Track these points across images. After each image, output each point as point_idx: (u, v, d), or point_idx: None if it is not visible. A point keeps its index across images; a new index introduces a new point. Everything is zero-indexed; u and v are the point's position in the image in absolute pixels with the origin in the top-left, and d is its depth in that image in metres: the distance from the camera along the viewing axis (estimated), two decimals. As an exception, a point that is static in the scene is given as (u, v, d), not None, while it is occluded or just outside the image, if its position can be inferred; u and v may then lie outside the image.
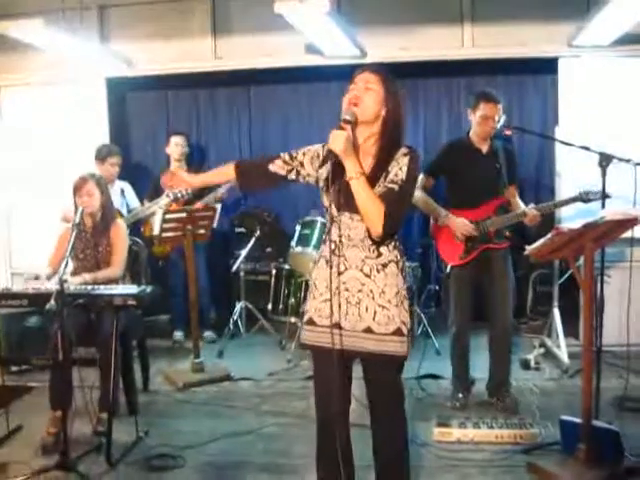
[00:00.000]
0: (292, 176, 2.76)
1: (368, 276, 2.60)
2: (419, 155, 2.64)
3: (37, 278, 4.47)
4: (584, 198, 4.20)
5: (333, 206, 2.61)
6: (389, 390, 2.70)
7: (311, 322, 2.69)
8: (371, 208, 2.48)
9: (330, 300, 2.56)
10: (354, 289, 2.60)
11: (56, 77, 5.80)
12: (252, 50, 5.66)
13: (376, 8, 5.53)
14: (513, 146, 4.71)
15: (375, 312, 2.59)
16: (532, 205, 4.24)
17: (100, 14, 5.82)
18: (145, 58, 5.79)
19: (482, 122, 4.11)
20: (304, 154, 2.75)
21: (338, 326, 2.60)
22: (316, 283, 2.71)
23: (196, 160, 6.46)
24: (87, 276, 4.02)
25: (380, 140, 2.63)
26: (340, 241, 2.61)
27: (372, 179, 2.52)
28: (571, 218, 5.03)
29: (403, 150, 2.60)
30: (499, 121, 4.06)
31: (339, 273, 2.60)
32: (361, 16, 5.44)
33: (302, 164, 2.74)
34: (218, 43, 5.76)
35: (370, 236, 2.57)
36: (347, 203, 2.57)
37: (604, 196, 3.79)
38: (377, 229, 2.50)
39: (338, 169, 2.53)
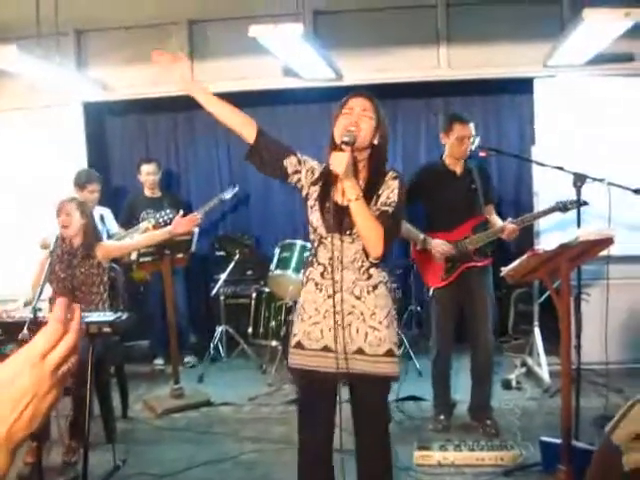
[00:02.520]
0: (294, 179, 2.71)
1: (358, 298, 2.60)
2: (405, 179, 2.70)
3: (14, 301, 4.41)
4: (562, 208, 4.22)
5: (322, 227, 2.60)
6: (377, 413, 2.70)
7: (299, 345, 2.67)
8: (372, 230, 2.50)
9: (334, 322, 2.56)
10: (345, 311, 2.59)
11: (33, 102, 5.77)
12: (229, 73, 5.67)
13: (352, 30, 5.56)
14: (487, 165, 4.73)
15: (366, 334, 2.59)
16: (510, 219, 4.26)
17: (77, 39, 5.81)
18: (123, 83, 5.78)
19: (458, 143, 4.11)
20: (305, 163, 2.71)
21: (328, 349, 2.59)
22: (304, 306, 2.68)
23: (173, 187, 6.46)
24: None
25: (370, 165, 2.65)
26: (330, 263, 2.60)
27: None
28: (549, 230, 5.09)
29: (392, 174, 2.64)
30: (473, 142, 4.07)
31: (329, 296, 2.59)
32: (337, 38, 5.47)
33: (304, 173, 2.71)
34: (195, 67, 5.75)
35: (366, 258, 2.58)
36: (338, 225, 2.56)
37: (579, 207, 3.80)
38: (377, 251, 2.52)
39: (328, 190, 2.55)
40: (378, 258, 2.57)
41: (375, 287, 2.61)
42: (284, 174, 2.71)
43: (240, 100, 6.11)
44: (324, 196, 2.60)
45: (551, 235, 4.98)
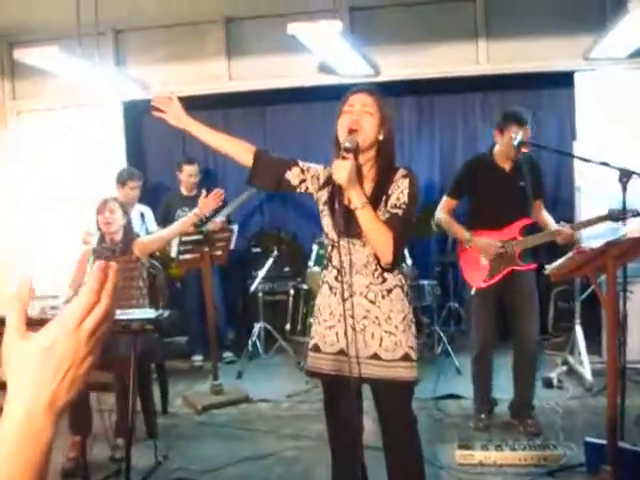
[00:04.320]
0: (302, 189, 2.68)
1: (373, 302, 2.56)
2: (417, 176, 2.59)
3: (55, 297, 4.48)
4: (615, 217, 3.94)
5: (333, 231, 2.57)
6: (400, 417, 2.64)
7: (316, 349, 2.66)
8: (380, 238, 2.45)
9: (345, 327, 2.52)
10: (359, 316, 2.55)
11: (73, 101, 5.86)
12: (266, 71, 5.69)
13: (390, 26, 5.53)
14: (537, 158, 4.57)
15: (381, 338, 2.55)
16: (563, 223, 4.10)
17: (115, 38, 5.88)
18: (160, 81, 5.82)
19: (511, 144, 3.90)
20: (308, 170, 2.69)
21: (343, 353, 2.55)
22: (320, 309, 2.67)
23: (211, 187, 6.49)
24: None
25: (377, 164, 2.58)
26: (342, 267, 2.54)
27: (373, 203, 2.47)
28: (591, 234, 4.98)
29: (402, 172, 2.55)
30: (516, 138, 3.99)
31: (344, 300, 2.54)
32: (374, 34, 5.45)
33: (309, 180, 2.68)
34: (232, 65, 5.79)
35: (378, 262, 2.53)
36: (347, 229, 2.51)
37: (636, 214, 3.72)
38: (388, 258, 2.47)
39: (336, 195, 2.51)
40: (389, 264, 2.50)
41: (390, 291, 2.56)
42: (290, 187, 2.68)
43: (276, 97, 6.23)
44: (333, 200, 2.56)
45: (593, 233, 4.89)
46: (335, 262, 2.59)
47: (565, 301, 5.96)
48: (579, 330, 5.21)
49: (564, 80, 5.49)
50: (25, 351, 0.77)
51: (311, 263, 5.51)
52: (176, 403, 4.93)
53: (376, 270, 2.54)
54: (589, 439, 3.37)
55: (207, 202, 4.48)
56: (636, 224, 3.61)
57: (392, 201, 2.50)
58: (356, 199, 2.41)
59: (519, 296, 4.10)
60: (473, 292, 4.16)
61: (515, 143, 3.89)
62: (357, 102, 2.52)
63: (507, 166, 4.09)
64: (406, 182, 2.52)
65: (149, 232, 5.64)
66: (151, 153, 6.87)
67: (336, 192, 2.50)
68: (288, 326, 6.03)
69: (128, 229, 4.34)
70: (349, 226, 2.50)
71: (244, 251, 6.62)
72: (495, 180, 4.05)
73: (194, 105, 6.30)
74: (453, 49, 5.53)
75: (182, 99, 5.93)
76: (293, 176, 2.67)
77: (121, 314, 3.68)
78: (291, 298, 6.09)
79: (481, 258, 4.09)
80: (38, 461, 0.74)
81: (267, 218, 6.84)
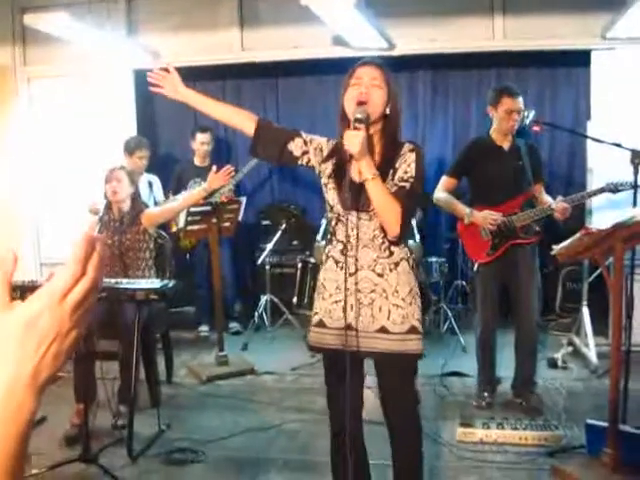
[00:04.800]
0: (304, 160, 2.65)
1: (381, 275, 2.54)
2: (423, 150, 2.59)
3: (63, 264, 4.49)
4: (612, 189, 4.11)
5: (339, 205, 2.55)
6: (403, 390, 2.64)
7: (321, 324, 2.63)
8: (389, 209, 2.43)
9: (353, 301, 2.52)
10: (366, 289, 2.54)
11: (84, 69, 5.81)
12: (279, 42, 5.62)
13: (405, 0, 5.44)
14: (536, 144, 4.61)
15: (389, 311, 2.53)
16: (560, 198, 4.16)
17: (127, 6, 5.81)
18: (172, 50, 5.77)
19: (506, 117, 4.04)
20: (311, 142, 2.66)
21: (350, 328, 2.54)
22: (325, 284, 2.64)
23: (223, 155, 6.47)
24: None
25: (384, 137, 2.57)
26: (349, 241, 2.53)
27: (380, 177, 2.45)
28: (602, 209, 4.96)
29: (408, 146, 2.54)
30: (528, 116, 3.97)
31: (351, 274, 2.53)
32: (389, 7, 5.36)
33: (312, 152, 2.65)
34: (245, 35, 5.73)
35: (385, 236, 2.51)
36: (355, 202, 2.49)
37: (635, 190, 3.69)
38: (395, 230, 2.46)
39: (342, 167, 2.49)
40: (396, 237, 2.50)
41: (397, 264, 2.55)
42: (292, 158, 2.65)
43: (289, 69, 6.18)
44: (338, 173, 2.54)
45: (604, 214, 4.86)
46: (340, 236, 2.57)
47: (573, 282, 5.93)
48: (586, 311, 5.19)
49: (581, 59, 5.40)
50: (7, 325, 0.75)
51: (319, 237, 5.50)
52: (181, 373, 4.97)
53: (383, 243, 2.53)
54: (590, 421, 3.37)
55: (217, 178, 4.47)
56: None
57: (399, 174, 2.49)
58: (367, 170, 2.40)
59: (520, 271, 4.12)
60: (476, 267, 4.20)
61: (527, 122, 3.88)
62: (365, 75, 2.50)
63: (505, 145, 4.15)
64: (413, 156, 2.51)
65: (157, 202, 5.65)
66: (162, 122, 6.84)
67: (342, 164, 2.49)
68: (295, 299, 6.03)
69: (136, 200, 4.32)
70: (356, 199, 2.48)
71: (253, 223, 6.61)
72: (494, 159, 4.11)
73: (206, 75, 6.31)
74: (469, 24, 5.44)
75: (194, 69, 5.96)
76: (295, 147, 2.64)
77: (127, 283, 3.69)
78: (298, 271, 6.08)
79: (482, 233, 4.11)
80: (19, 435, 0.73)
81: (277, 191, 6.82)
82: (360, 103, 2.43)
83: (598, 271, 5.09)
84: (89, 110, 5.88)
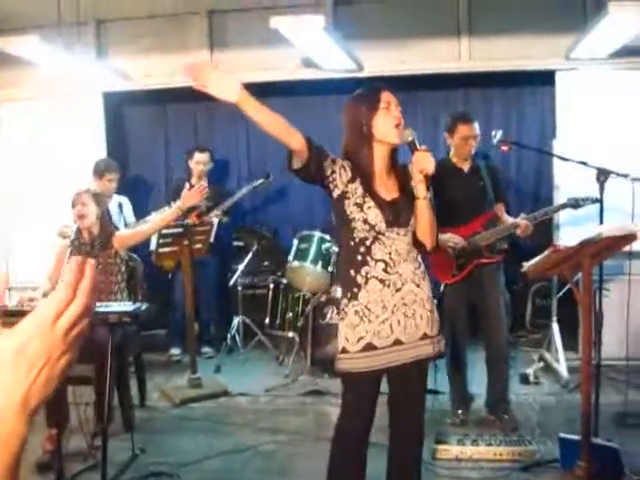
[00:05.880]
0: (330, 179, 2.62)
1: (418, 286, 2.67)
2: None
3: (34, 290, 4.44)
4: (574, 204, 4.21)
5: (382, 223, 2.60)
6: (423, 395, 2.82)
7: (371, 347, 2.60)
8: (432, 226, 2.66)
9: (403, 315, 2.64)
10: (410, 302, 2.64)
11: (53, 92, 5.80)
12: (249, 64, 5.65)
13: (373, 22, 5.52)
14: (503, 162, 4.70)
15: (428, 318, 2.67)
16: (523, 215, 4.23)
17: (97, 29, 5.81)
18: (142, 72, 5.78)
19: (462, 143, 4.14)
20: (336, 162, 2.63)
21: (399, 342, 2.62)
22: (369, 306, 2.61)
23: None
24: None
25: (394, 160, 2.74)
26: (390, 258, 2.62)
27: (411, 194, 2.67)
28: (568, 224, 5.05)
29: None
30: (495, 136, 4.05)
31: (397, 290, 2.63)
32: (358, 30, 5.43)
33: (337, 172, 2.63)
34: (215, 57, 5.75)
35: (418, 249, 2.70)
36: (396, 219, 2.61)
37: (599, 204, 3.76)
38: (433, 243, 2.69)
39: (372, 187, 2.63)
40: (432, 249, 2.73)
41: (424, 273, 2.72)
42: (323, 177, 2.62)
43: (259, 91, 6.15)
44: (372, 192, 2.63)
45: (570, 229, 4.95)
46: (379, 255, 2.62)
47: (542, 298, 6.01)
48: (556, 327, 5.26)
49: (545, 78, 5.53)
50: None
51: (291, 257, 5.51)
52: (153, 396, 4.92)
53: (415, 256, 2.70)
54: (563, 435, 3.41)
55: (190, 196, 4.46)
56: (613, 223, 3.64)
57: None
58: (422, 188, 2.59)
59: (486, 290, 4.18)
60: (442, 287, 4.24)
61: (495, 141, 3.96)
62: (392, 100, 2.66)
63: (465, 166, 4.24)
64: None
65: (127, 223, 5.62)
66: (132, 144, 6.81)
67: (370, 183, 2.64)
68: (267, 320, 6.03)
69: (105, 222, 4.29)
70: (398, 217, 2.62)
71: (224, 245, 6.59)
72: (455, 180, 4.17)
73: (176, 96, 6.31)
74: (436, 46, 5.54)
75: (164, 91, 5.95)
76: (327, 166, 2.62)
77: (99, 306, 3.67)
78: (270, 292, 6.10)
79: (447, 254, 4.14)
80: (10, 462, 0.73)
81: (249, 213, 6.83)
82: (397, 126, 2.61)
83: (567, 287, 5.17)
84: (59, 133, 5.86)
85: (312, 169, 2.57)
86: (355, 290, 2.63)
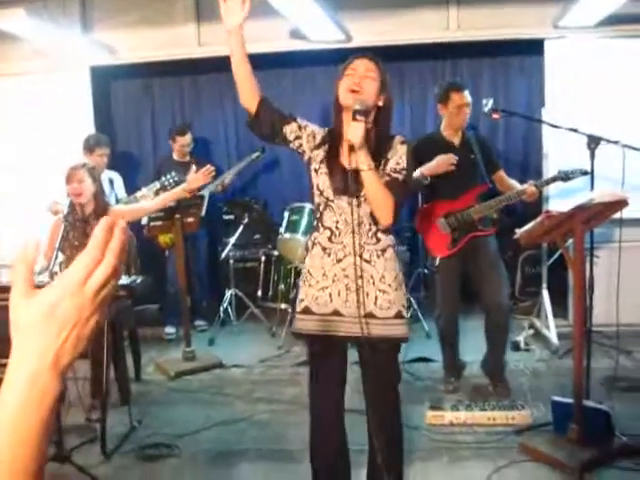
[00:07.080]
0: (295, 144, 2.69)
1: (368, 262, 2.60)
2: (413, 144, 2.71)
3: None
4: (563, 177, 4.24)
5: (330, 190, 2.60)
6: (387, 375, 2.71)
7: (307, 311, 2.66)
8: (383, 200, 2.51)
9: (356, 289, 2.56)
10: (354, 275, 2.57)
11: (40, 67, 5.73)
12: (237, 36, 5.60)
13: (361, -8, 5.49)
14: (483, 134, 4.70)
15: (376, 297, 2.60)
16: (531, 182, 4.27)
17: (83, 2, 5.74)
18: (129, 46, 5.73)
19: (457, 112, 4.12)
20: (305, 128, 2.70)
21: (337, 313, 2.60)
22: (311, 271, 2.67)
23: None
24: None
25: (376, 129, 2.63)
26: (337, 227, 2.60)
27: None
28: (558, 195, 5.09)
29: (400, 138, 2.64)
30: (487, 104, 4.05)
31: (338, 260, 2.60)
32: (346, 0, 5.40)
33: (304, 138, 2.69)
34: (202, 30, 5.71)
35: (374, 222, 2.59)
36: (345, 188, 2.55)
37: (590, 175, 3.80)
38: (388, 219, 2.54)
39: (334, 154, 2.58)
40: (388, 226, 2.59)
41: (384, 251, 2.62)
42: (285, 141, 2.70)
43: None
44: (330, 159, 2.61)
45: (560, 200, 4.98)
46: (328, 223, 2.62)
47: (532, 266, 6.07)
48: (546, 294, 5.33)
49: (534, 48, 5.52)
50: (29, 312, 0.77)
51: (282, 230, 5.52)
52: (149, 370, 4.95)
53: (370, 230, 2.60)
54: (556, 398, 3.47)
55: (197, 178, 4.43)
56: (604, 189, 3.67)
57: (391, 165, 2.57)
58: (364, 161, 2.47)
59: (482, 260, 4.19)
60: (438, 262, 4.25)
61: (486, 109, 3.96)
62: (360, 66, 2.59)
63: (456, 140, 4.22)
64: (404, 148, 2.61)
65: (118, 199, 5.59)
66: (119, 119, 6.76)
67: (334, 151, 2.59)
68: (259, 292, 6.06)
69: (100, 197, 4.25)
70: (347, 185, 2.54)
71: (215, 219, 6.59)
72: (445, 154, 4.11)
73: (163, 70, 6.27)
74: (424, 16, 5.52)
75: (151, 64, 5.90)
76: (290, 131, 2.68)
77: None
78: (262, 265, 6.12)
79: (441, 227, 4.18)
80: (46, 418, 0.75)
81: (238, 186, 6.81)
82: (352, 91, 2.52)
83: (556, 255, 5.23)
84: (46, 108, 5.81)
85: (263, 128, 2.66)
86: (305, 254, 2.73)
